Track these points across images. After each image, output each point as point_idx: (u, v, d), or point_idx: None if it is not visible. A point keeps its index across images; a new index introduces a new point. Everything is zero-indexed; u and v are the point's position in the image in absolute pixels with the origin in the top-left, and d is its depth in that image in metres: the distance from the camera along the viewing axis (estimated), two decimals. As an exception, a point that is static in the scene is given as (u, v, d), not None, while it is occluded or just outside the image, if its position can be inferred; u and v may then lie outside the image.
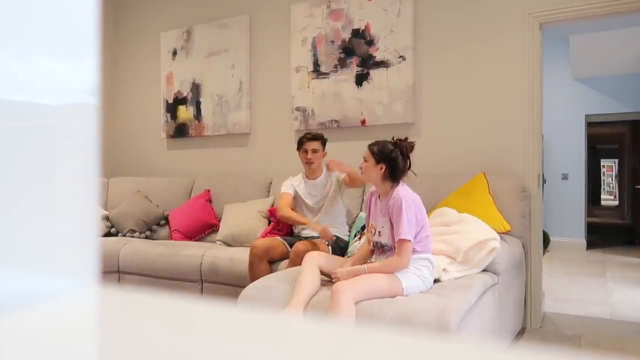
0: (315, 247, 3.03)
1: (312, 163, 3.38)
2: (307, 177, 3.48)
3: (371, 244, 2.52)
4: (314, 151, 3.38)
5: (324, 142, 3.44)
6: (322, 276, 2.44)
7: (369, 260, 2.53)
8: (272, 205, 3.96)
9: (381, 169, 2.41)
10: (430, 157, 3.76)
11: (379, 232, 2.44)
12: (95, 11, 0.48)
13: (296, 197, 3.47)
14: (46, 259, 0.46)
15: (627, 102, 7.14)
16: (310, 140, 3.39)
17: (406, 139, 2.48)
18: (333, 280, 2.33)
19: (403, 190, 2.36)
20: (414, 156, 3.77)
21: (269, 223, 3.82)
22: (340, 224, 3.43)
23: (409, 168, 2.45)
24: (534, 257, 3.46)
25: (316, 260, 2.44)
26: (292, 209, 3.41)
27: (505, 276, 2.78)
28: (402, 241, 2.27)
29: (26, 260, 0.44)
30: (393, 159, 2.40)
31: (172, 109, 5.02)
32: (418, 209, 2.34)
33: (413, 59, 3.83)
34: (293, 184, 3.49)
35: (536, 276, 3.47)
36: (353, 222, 3.55)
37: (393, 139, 2.48)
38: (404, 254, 2.27)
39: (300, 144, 3.42)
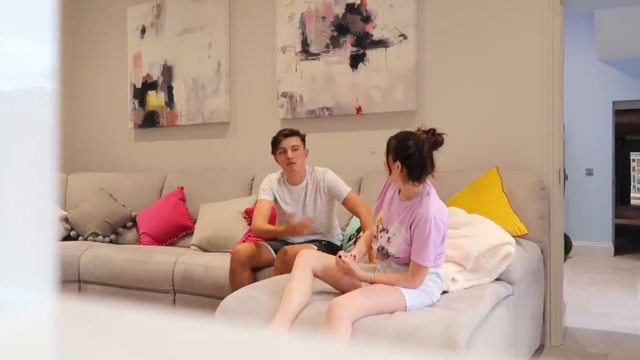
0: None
1: (294, 163, 3.21)
2: (287, 181, 3.34)
3: (374, 244, 2.51)
4: (295, 148, 3.21)
5: (303, 138, 3.29)
6: (317, 279, 2.41)
7: (376, 268, 2.50)
8: (254, 205, 3.95)
9: (398, 168, 2.32)
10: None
11: (389, 237, 2.39)
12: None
13: (276, 203, 3.37)
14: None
15: (660, 88, 7.19)
16: (288, 137, 3.22)
17: (433, 130, 2.34)
18: (338, 269, 2.33)
19: (433, 205, 2.29)
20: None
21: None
22: (331, 232, 3.41)
23: (433, 167, 2.35)
24: (554, 264, 3.48)
25: (310, 263, 2.39)
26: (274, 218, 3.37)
27: (521, 286, 2.79)
28: (421, 266, 2.25)
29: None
30: (410, 155, 2.29)
31: (140, 94, 5.00)
32: (445, 229, 2.31)
33: (416, 37, 3.83)
34: (272, 188, 3.34)
35: (556, 286, 3.49)
36: (347, 224, 3.56)
37: (418, 129, 2.36)
38: (418, 277, 2.27)
39: (276, 143, 3.23)
